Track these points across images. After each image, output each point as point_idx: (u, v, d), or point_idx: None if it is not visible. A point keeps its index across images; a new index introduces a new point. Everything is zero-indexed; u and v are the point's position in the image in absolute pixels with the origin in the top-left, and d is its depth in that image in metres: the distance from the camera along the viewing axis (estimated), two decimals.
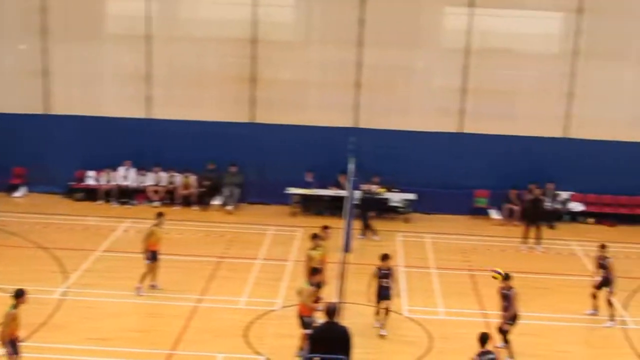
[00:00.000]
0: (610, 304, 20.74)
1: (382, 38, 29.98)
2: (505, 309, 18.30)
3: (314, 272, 18.33)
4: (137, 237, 25.62)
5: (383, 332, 19.46)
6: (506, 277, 18.43)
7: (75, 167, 30.92)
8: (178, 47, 30.65)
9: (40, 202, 30.26)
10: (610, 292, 20.81)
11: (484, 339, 15.27)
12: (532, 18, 30.64)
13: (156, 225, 21.68)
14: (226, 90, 30.68)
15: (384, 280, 19.68)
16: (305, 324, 17.57)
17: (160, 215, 21.93)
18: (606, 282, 20.88)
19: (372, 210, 28.05)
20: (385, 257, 19.87)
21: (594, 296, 21.12)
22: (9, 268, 22.16)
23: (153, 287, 21.63)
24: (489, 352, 15.08)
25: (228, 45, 30.48)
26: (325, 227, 21.47)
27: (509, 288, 18.34)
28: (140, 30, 30.25)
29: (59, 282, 22.19)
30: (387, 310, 19.70)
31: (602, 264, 21.01)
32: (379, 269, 19.74)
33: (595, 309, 21.13)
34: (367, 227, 27.50)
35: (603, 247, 21.22)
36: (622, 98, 30.07)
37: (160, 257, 21.74)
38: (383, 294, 19.71)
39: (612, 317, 20.67)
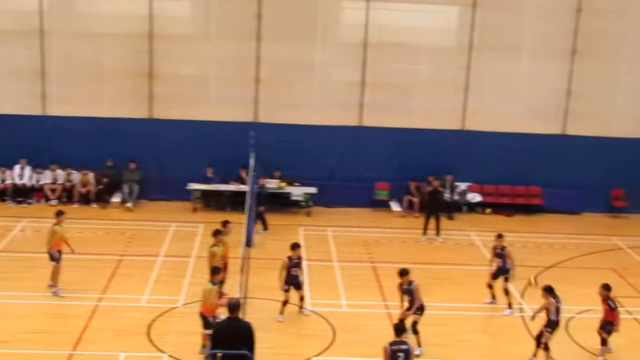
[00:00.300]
0: (507, 292, 21.19)
1: (280, 32, 29.98)
2: (411, 302, 18.51)
3: (216, 271, 18.18)
4: (34, 237, 25.20)
5: (280, 319, 19.81)
6: (405, 273, 18.63)
7: None
8: (73, 42, 30.08)
9: None
10: (507, 281, 21.23)
11: (399, 329, 15.33)
12: (428, 12, 31.04)
13: (56, 224, 21.26)
14: (124, 86, 30.26)
15: (294, 269, 19.87)
16: (207, 324, 17.40)
17: (60, 213, 21.51)
18: (502, 271, 21.29)
19: (264, 205, 27.74)
20: (295, 246, 20.15)
21: (490, 286, 21.55)
22: None
23: (51, 287, 21.24)
24: (402, 342, 15.15)
25: (125, 40, 30.04)
26: (226, 223, 21.38)
27: (410, 282, 18.56)
28: (34, 25, 29.57)
29: None
30: (302, 298, 20.16)
31: (499, 253, 21.40)
32: (290, 258, 19.87)
33: (493, 297, 21.59)
34: (260, 221, 27.25)
35: (500, 236, 21.62)
36: (516, 90, 30.77)
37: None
38: (294, 282, 19.90)
39: (510, 306, 21.13)
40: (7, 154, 29.67)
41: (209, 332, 16.20)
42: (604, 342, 18.62)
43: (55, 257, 21.07)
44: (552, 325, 18.10)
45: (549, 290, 18.17)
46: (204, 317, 17.61)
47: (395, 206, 30.42)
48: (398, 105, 30.85)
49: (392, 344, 15.10)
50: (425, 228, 27.11)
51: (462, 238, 27.69)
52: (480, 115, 30.72)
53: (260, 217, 27.08)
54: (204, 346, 17.47)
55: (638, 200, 31.07)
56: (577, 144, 30.87)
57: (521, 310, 21.39)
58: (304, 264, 23.67)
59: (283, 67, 30.50)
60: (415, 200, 30.00)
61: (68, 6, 30.50)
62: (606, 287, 18.70)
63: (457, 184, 30.69)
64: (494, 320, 21.04)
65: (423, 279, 20.56)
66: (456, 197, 30.54)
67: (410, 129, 30.59)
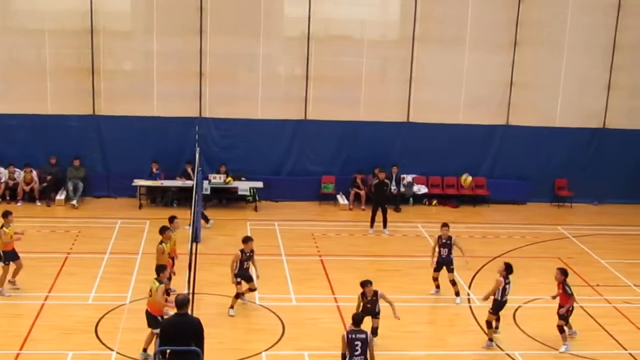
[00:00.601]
0: (454, 283, 21.35)
1: (224, 26, 29.82)
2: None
3: (162, 269, 17.89)
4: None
5: (232, 313, 19.80)
6: (366, 284, 18.25)
7: None
8: (14, 39, 29.71)
9: None
10: (451, 272, 21.29)
11: (357, 319, 15.64)
12: (371, 5, 31.36)
13: (4, 225, 20.88)
14: (66, 83, 29.85)
15: (246, 262, 19.92)
16: (154, 322, 17.16)
17: (7, 214, 21.12)
18: (446, 262, 21.35)
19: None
20: (247, 239, 20.14)
21: (435, 278, 21.62)
22: None
23: (12, 283, 21.07)
24: (360, 331, 15.38)
25: (66, 37, 29.59)
26: (173, 219, 21.25)
27: (375, 293, 18.26)
28: None
29: None
30: (252, 290, 20.27)
31: (445, 243, 21.36)
32: (242, 251, 19.83)
33: (438, 288, 21.75)
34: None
35: (445, 225, 21.64)
36: (460, 82, 30.93)
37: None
38: (245, 275, 19.95)
39: (457, 294, 21.30)
40: None
41: (157, 330, 16.06)
42: (561, 330, 18.83)
43: (4, 259, 20.73)
44: (496, 306, 18.56)
45: (507, 268, 18.60)
46: (150, 316, 17.37)
47: (342, 199, 30.50)
48: (343, 98, 30.90)
49: (350, 332, 15.35)
50: (373, 220, 27.19)
51: (409, 230, 27.84)
52: (425, 107, 30.90)
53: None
54: (145, 349, 17.35)
55: (582, 189, 31.52)
56: (520, 134, 31.22)
57: (469, 300, 21.58)
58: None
59: (227, 61, 30.38)
60: (362, 192, 30.11)
61: (7, 3, 29.97)
62: (563, 272, 18.94)
63: (403, 176, 30.87)
64: (442, 311, 21.23)
65: (372, 272, 20.79)
66: (402, 189, 30.69)
67: (355, 122, 30.67)
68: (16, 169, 29.49)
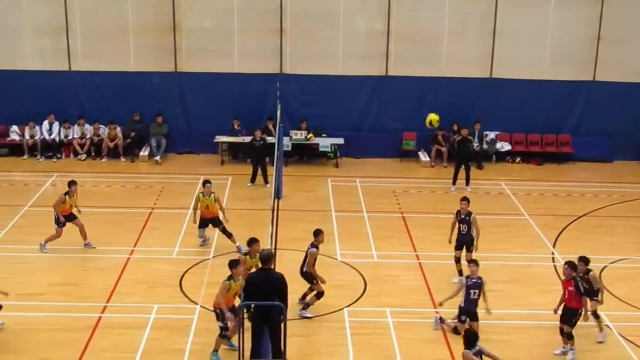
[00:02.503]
0: (470, 262, 17.96)
1: None
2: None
3: (235, 265, 15.88)
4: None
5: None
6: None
7: None
8: None
9: None
10: (471, 252, 19.52)
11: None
12: None
13: (68, 194, 20.76)
14: (148, 41, 30.13)
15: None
16: (221, 316, 15.97)
17: (71, 184, 20.90)
18: (466, 240, 19.65)
19: (263, 157, 27.18)
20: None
21: (457, 259, 19.77)
22: None
23: (88, 245, 21.28)
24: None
25: None
26: (206, 182, 21.48)
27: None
28: None
29: None
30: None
31: (463, 219, 19.66)
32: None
33: (461, 274, 19.35)
34: (263, 175, 26.90)
35: (464, 200, 19.93)
36: (545, 37, 30.25)
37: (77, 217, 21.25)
38: None
39: (461, 273, 19.45)
40: (36, 110, 29.71)
41: (227, 323, 15.64)
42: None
43: (59, 221, 20.85)
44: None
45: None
46: (217, 310, 16.10)
47: (423, 156, 30.26)
48: (424, 54, 30.52)
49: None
50: (455, 178, 26.92)
51: (492, 188, 27.50)
52: (509, 62, 30.31)
53: (263, 170, 26.98)
54: (216, 350, 16.09)
55: None
56: (607, 90, 30.41)
57: (553, 260, 21.27)
58: (333, 215, 23.83)
59: (307, 17, 30.22)
60: (444, 150, 29.81)
61: None
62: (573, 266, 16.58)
63: (486, 133, 30.44)
64: (524, 270, 20.88)
65: None
66: (485, 147, 30.30)
67: (437, 78, 30.30)
68: (101, 126, 29.94)
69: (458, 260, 19.76)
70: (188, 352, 16.40)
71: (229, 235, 20.98)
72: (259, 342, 14.37)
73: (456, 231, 19.83)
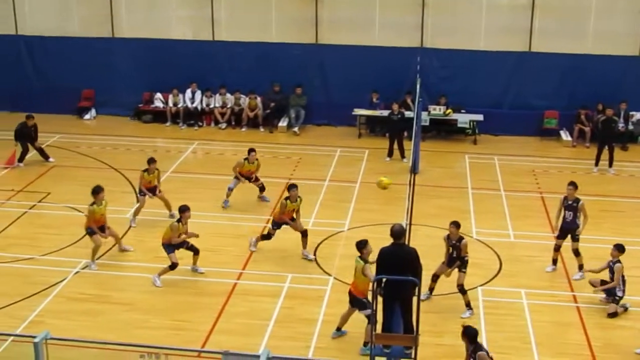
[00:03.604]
0: (577, 254, 18.64)
1: None
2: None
3: (363, 245, 15.45)
4: (205, 159, 25.82)
5: None
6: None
7: (142, 90, 31.11)
8: None
9: (109, 124, 30.58)
10: (576, 240, 18.62)
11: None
12: None
13: (94, 203, 19.29)
14: (290, 11, 30.39)
15: None
16: (360, 305, 15.67)
17: (97, 191, 19.39)
18: (572, 228, 18.71)
19: (400, 131, 27.04)
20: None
21: (557, 247, 18.98)
22: (83, 189, 22.25)
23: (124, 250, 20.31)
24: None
25: None
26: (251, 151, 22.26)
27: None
28: None
29: (131, 202, 22.46)
30: None
31: (571, 206, 18.66)
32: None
33: (555, 264, 19.15)
34: (399, 149, 26.79)
35: (572, 184, 18.79)
36: None
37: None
38: None
39: (581, 267, 18.77)
40: (180, 78, 30.50)
41: (367, 312, 15.33)
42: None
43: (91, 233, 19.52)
44: None
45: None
46: (355, 298, 15.70)
47: (565, 135, 29.52)
48: (569, 29, 29.61)
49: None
50: (598, 159, 26.15)
51: (636, 170, 26.60)
52: None
53: (399, 144, 26.83)
54: (365, 344, 15.46)
55: None
56: None
57: None
58: (470, 192, 23.59)
59: None
60: (587, 129, 29.00)
61: None
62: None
63: (632, 113, 29.38)
64: None
65: (594, 212, 19.95)
66: (631, 127, 29.30)
67: (582, 55, 29.35)
68: (241, 95, 30.40)
69: (557, 249, 18.97)
70: (320, 322, 16.56)
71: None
72: (390, 317, 14.36)
73: (561, 219, 18.94)
